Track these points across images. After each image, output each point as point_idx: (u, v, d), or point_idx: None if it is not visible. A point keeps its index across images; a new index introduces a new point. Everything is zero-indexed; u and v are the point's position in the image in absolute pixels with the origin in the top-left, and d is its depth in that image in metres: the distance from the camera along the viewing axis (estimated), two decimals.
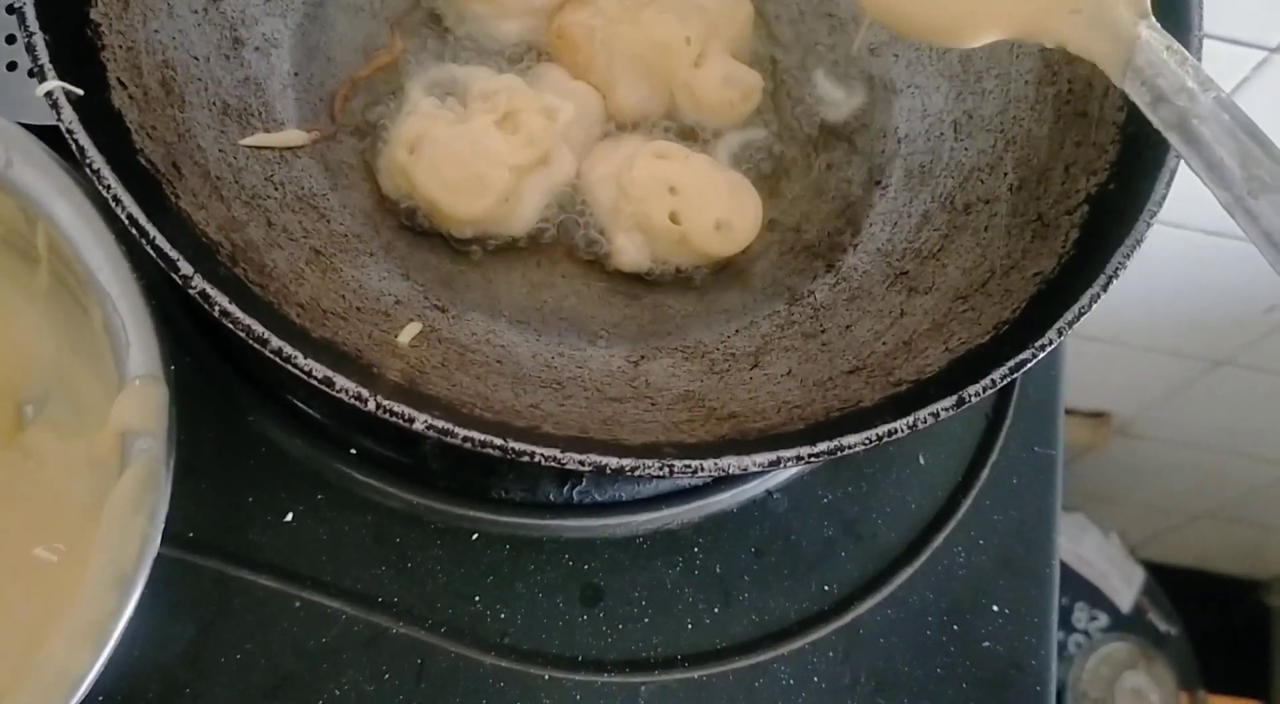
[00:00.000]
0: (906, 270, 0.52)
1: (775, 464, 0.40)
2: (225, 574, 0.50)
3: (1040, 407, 0.59)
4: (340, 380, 0.38)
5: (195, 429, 0.51)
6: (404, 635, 0.50)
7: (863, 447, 0.40)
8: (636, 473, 0.39)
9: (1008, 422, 0.58)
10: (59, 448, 0.49)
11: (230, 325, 0.39)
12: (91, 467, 0.47)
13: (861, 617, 0.54)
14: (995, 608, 0.55)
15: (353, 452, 0.53)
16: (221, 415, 0.53)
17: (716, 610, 0.53)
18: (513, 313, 0.51)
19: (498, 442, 0.38)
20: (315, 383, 0.38)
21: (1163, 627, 1.37)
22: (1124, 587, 1.38)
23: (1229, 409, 1.20)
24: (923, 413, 0.41)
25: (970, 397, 0.41)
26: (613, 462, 0.39)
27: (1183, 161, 0.40)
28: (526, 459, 0.38)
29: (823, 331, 0.51)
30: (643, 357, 0.51)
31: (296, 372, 0.38)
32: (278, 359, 0.38)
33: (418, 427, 0.38)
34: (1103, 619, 1.35)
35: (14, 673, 0.44)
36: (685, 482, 0.54)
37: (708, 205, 0.52)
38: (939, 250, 0.52)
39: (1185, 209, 0.74)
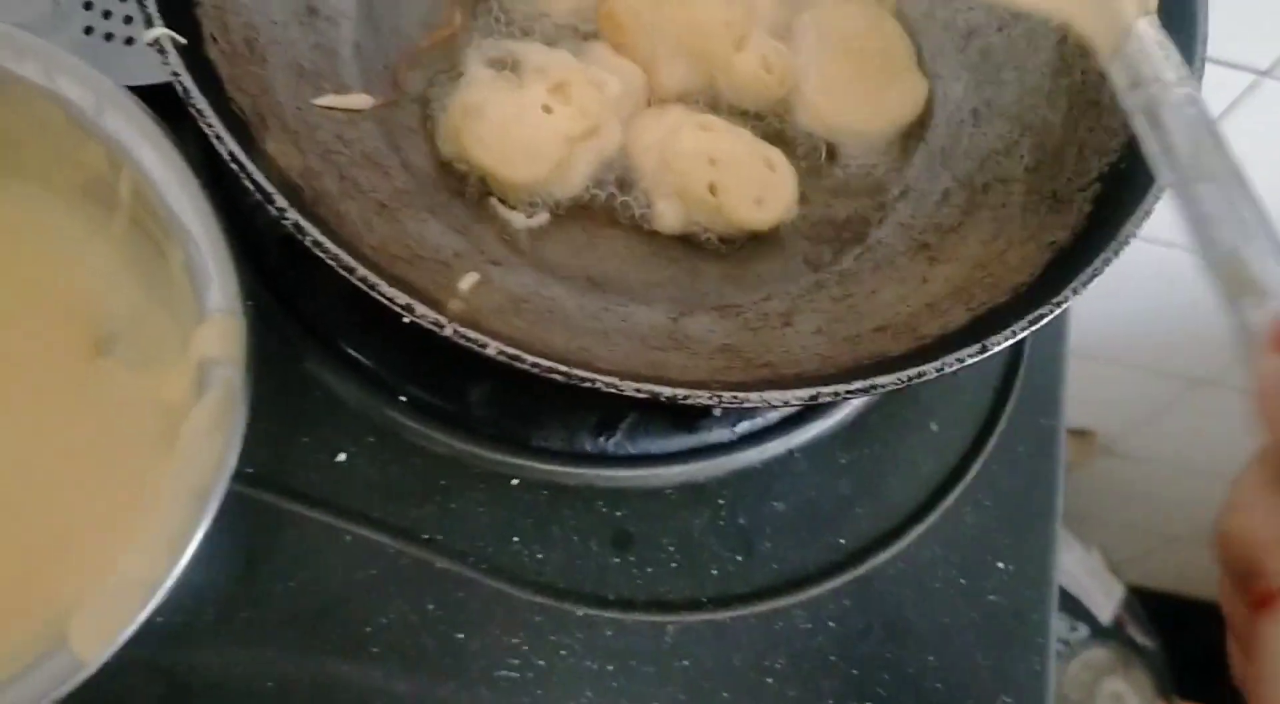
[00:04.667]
0: (928, 243, 0.56)
1: (814, 399, 0.43)
2: (280, 508, 0.53)
3: (1045, 380, 0.63)
4: (420, 307, 0.42)
5: (254, 373, 0.54)
6: (447, 570, 0.53)
7: (895, 386, 0.43)
8: (688, 401, 0.42)
9: (1014, 393, 0.62)
10: (130, 383, 0.51)
11: (320, 254, 0.42)
12: (162, 404, 0.50)
13: (875, 568, 0.57)
14: (1000, 565, 0.58)
15: (403, 399, 0.56)
16: (279, 360, 0.56)
17: (740, 559, 0.56)
18: (560, 270, 0.55)
19: (562, 367, 0.42)
20: (397, 308, 0.42)
21: (1140, 640, 1.40)
22: (1104, 600, 1.41)
23: (1214, 430, 1.21)
24: (949, 357, 0.44)
25: (992, 345, 0.45)
26: (666, 390, 0.42)
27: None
28: (588, 385, 0.42)
29: (849, 296, 0.55)
30: (681, 313, 0.54)
31: (379, 297, 0.42)
32: (363, 286, 0.42)
33: (490, 352, 0.42)
34: (1083, 630, 1.38)
35: (89, 585, 0.47)
36: (716, 438, 0.57)
37: (745, 179, 0.55)
38: (959, 225, 0.56)
39: (1173, 227, 0.78)
